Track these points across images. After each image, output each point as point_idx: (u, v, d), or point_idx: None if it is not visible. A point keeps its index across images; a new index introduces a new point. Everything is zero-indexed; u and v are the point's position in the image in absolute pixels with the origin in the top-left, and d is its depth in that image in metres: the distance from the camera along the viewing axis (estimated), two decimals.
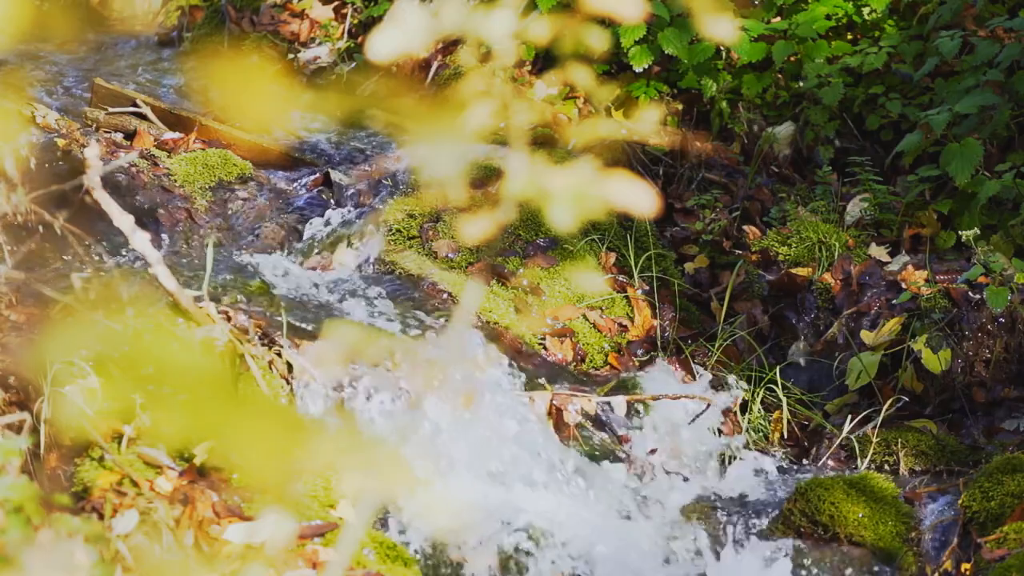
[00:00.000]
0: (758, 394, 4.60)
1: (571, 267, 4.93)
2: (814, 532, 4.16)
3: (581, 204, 1.76)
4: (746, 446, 4.57)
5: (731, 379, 4.68)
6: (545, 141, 5.57)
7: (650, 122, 5.54)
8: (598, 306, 4.91)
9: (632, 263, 4.98)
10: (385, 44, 1.81)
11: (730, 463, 4.54)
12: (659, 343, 4.85)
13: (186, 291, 4.00)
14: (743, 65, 5.87)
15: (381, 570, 3.70)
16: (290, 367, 4.14)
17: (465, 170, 1.81)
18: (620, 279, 4.99)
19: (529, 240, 5.02)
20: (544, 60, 6.15)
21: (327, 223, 5.20)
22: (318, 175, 5.47)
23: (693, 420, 4.56)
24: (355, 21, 6.87)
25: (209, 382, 3.72)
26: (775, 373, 4.62)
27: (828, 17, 5.88)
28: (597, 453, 4.44)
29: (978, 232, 4.82)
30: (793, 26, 5.80)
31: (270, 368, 4.11)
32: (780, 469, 4.53)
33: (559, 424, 4.43)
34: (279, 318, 4.28)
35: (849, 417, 4.55)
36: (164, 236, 5.08)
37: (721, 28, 1.86)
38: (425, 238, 5.01)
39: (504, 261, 4.95)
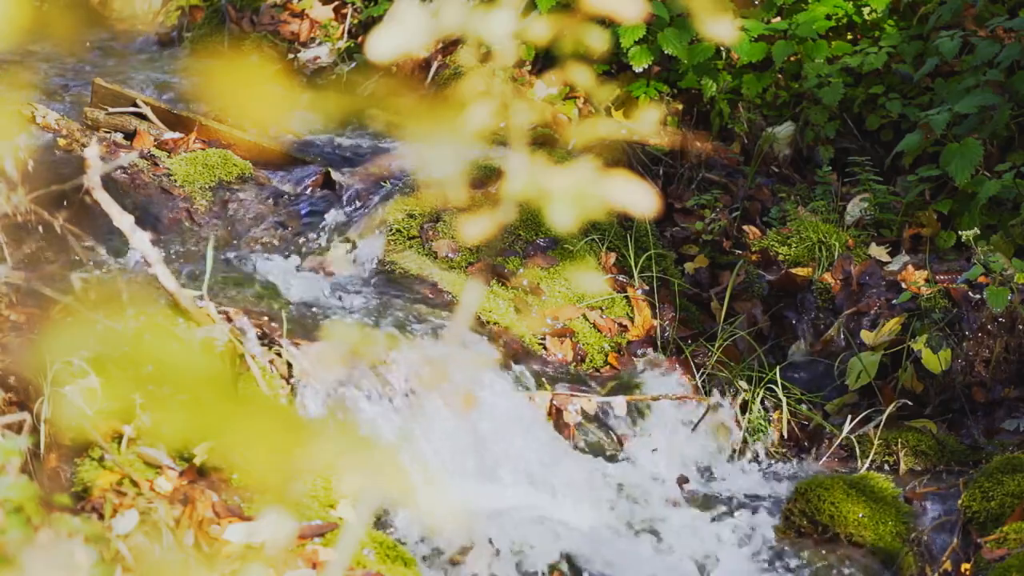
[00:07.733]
0: (758, 394, 4.60)
1: (571, 267, 4.92)
2: (814, 532, 4.16)
3: (581, 204, 1.76)
4: (746, 446, 4.57)
5: (731, 379, 4.68)
6: (545, 141, 5.57)
7: (650, 122, 5.54)
8: (598, 306, 4.91)
9: (632, 263, 4.98)
10: (385, 44, 1.81)
11: (730, 463, 4.54)
12: (659, 343, 4.85)
13: (186, 291, 4.00)
14: (743, 65, 5.87)
15: (381, 570, 3.70)
16: (290, 367, 4.14)
17: (465, 170, 1.81)
18: (620, 279, 4.98)
19: (529, 240, 5.02)
20: (544, 60, 6.15)
21: (327, 223, 5.20)
22: (318, 175, 5.47)
23: (696, 425, 4.56)
24: (355, 21, 6.87)
25: (209, 382, 3.72)
26: (775, 373, 4.61)
27: (828, 17, 5.88)
28: (597, 453, 4.44)
29: (978, 232, 4.82)
30: (793, 26, 5.80)
31: (270, 368, 4.11)
32: (780, 469, 4.54)
33: (559, 424, 4.44)
34: (279, 318, 4.28)
35: (849, 417, 4.55)
36: (164, 236, 5.08)
37: (721, 28, 1.85)
38: (425, 238, 5.01)
39: (504, 261, 4.95)
